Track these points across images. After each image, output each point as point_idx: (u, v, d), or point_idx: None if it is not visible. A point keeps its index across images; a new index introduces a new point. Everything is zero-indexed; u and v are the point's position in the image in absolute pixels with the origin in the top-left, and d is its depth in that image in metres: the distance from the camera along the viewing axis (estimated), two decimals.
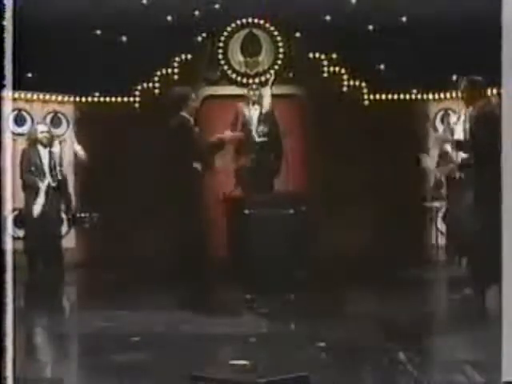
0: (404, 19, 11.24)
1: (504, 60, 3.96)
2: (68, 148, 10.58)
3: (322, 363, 5.03)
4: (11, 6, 4.10)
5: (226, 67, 11.77)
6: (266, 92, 10.05)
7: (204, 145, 7.40)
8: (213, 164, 7.52)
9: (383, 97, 11.61)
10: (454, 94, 11.40)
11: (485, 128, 7.16)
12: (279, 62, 11.74)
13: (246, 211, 8.27)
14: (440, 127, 11.22)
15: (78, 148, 9.68)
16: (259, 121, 9.98)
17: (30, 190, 9.32)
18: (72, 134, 10.68)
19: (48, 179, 9.32)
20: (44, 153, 9.41)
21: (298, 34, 11.66)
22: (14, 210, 9.38)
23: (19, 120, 11.01)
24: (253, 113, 10.04)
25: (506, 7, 3.96)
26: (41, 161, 9.36)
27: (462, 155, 7.78)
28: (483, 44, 8.77)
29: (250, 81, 11.49)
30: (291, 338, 5.94)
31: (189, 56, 11.78)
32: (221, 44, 11.75)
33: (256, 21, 11.73)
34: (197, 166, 7.25)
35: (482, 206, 7.14)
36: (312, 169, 11.42)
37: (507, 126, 4.07)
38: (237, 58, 11.80)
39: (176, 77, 11.70)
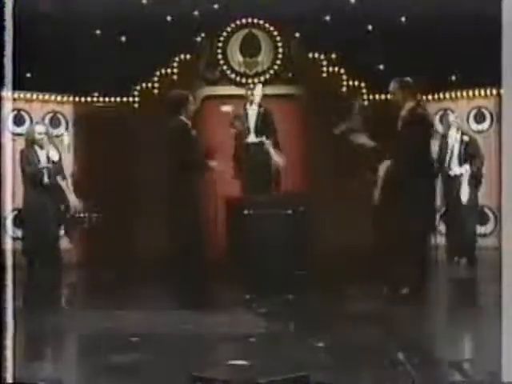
0: (403, 19, 11.24)
1: (504, 60, 3.95)
2: (67, 148, 10.59)
3: (320, 363, 5.03)
4: (11, 6, 4.10)
5: (225, 67, 11.77)
6: (258, 92, 10.08)
7: (200, 148, 7.42)
8: (209, 166, 7.54)
9: (382, 97, 11.61)
10: (453, 95, 11.44)
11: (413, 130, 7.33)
12: (278, 62, 11.74)
13: (245, 211, 8.27)
14: (439, 127, 11.24)
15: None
16: (257, 120, 10.01)
17: (29, 191, 9.32)
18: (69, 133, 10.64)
19: (46, 179, 9.32)
20: (42, 153, 9.41)
21: (297, 34, 11.67)
22: (13, 210, 9.39)
23: (18, 120, 11.00)
24: (251, 112, 10.06)
25: (506, 7, 3.96)
26: (39, 161, 9.36)
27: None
28: (483, 44, 8.78)
29: (250, 81, 11.50)
30: (290, 338, 5.94)
31: (188, 56, 11.78)
32: (220, 44, 11.75)
33: (255, 21, 11.74)
34: (194, 167, 7.26)
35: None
36: (311, 168, 11.41)
37: (507, 125, 4.07)
38: (236, 58, 11.80)
39: (175, 77, 11.72)
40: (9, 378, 3.98)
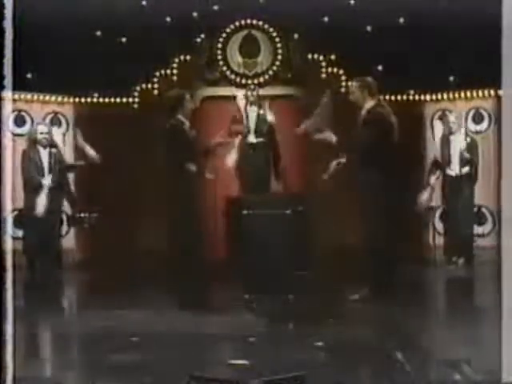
0: (402, 20, 11.26)
1: (504, 60, 3.97)
2: (68, 148, 10.60)
3: (320, 362, 5.04)
4: (11, 6, 4.10)
5: (224, 68, 11.77)
6: (258, 93, 10.11)
7: (198, 147, 7.44)
8: (207, 166, 7.55)
9: (381, 97, 11.59)
10: (451, 95, 11.45)
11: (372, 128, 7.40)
12: (278, 63, 11.75)
13: (244, 211, 8.27)
14: (437, 127, 11.26)
15: (88, 148, 9.66)
16: (257, 121, 10.03)
17: (31, 191, 9.33)
18: (78, 135, 10.57)
19: (48, 179, 9.34)
20: (44, 153, 9.43)
21: (296, 35, 11.68)
22: (13, 210, 9.40)
23: (19, 121, 11.01)
24: (251, 113, 10.08)
25: (506, 7, 3.98)
26: (41, 161, 9.38)
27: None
28: (482, 44, 8.80)
29: (249, 82, 11.51)
30: (289, 338, 5.95)
31: (188, 57, 11.79)
32: (219, 45, 11.75)
33: (255, 22, 11.75)
34: (192, 167, 7.27)
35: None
36: (310, 169, 11.41)
37: (507, 126, 4.08)
38: (235, 58, 11.81)
39: (175, 77, 11.72)
40: (9, 377, 3.98)
